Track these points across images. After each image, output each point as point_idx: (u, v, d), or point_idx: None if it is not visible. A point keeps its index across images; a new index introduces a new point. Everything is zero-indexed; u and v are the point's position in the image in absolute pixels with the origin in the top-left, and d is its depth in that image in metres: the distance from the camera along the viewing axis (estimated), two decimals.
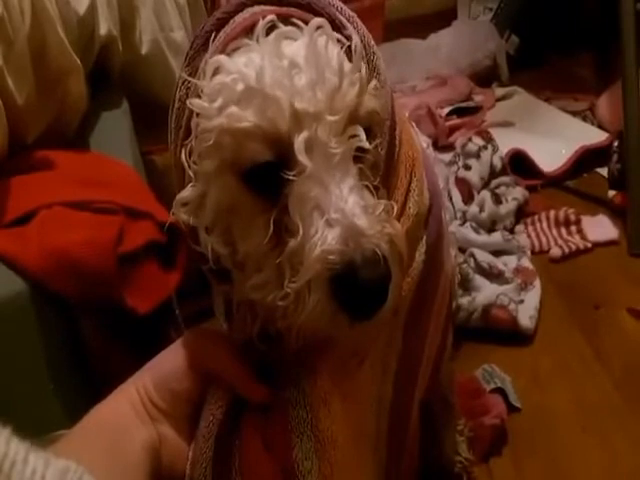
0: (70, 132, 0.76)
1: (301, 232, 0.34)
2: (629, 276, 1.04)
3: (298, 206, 0.35)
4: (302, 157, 0.34)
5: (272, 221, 0.36)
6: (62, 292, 0.54)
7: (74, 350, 0.57)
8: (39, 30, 0.66)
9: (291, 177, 0.35)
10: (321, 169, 0.34)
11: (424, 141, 0.75)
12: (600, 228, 1.13)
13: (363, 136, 0.36)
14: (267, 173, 0.35)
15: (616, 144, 1.22)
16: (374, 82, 0.38)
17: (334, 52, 0.36)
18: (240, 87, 0.34)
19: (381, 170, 0.39)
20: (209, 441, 0.40)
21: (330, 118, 0.34)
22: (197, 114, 0.36)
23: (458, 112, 1.53)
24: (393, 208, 0.37)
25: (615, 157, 1.21)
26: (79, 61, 0.72)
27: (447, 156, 1.29)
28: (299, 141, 0.34)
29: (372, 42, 0.39)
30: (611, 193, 1.20)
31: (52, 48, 0.68)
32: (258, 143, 0.35)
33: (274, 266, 0.36)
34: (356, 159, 0.37)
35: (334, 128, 0.35)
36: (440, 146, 1.38)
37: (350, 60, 0.36)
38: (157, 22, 0.86)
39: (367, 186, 0.37)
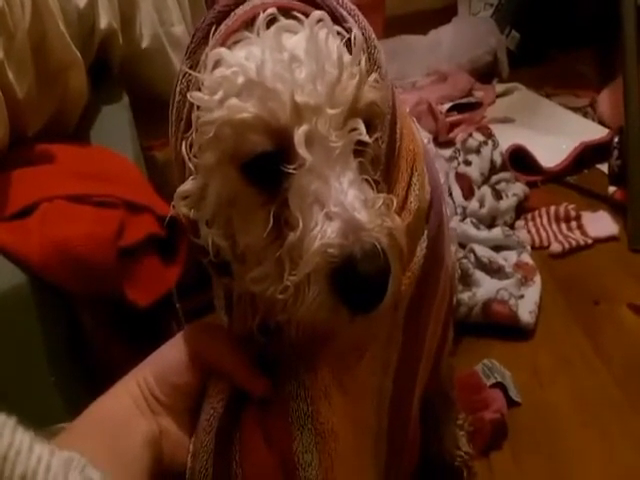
0: (70, 126, 0.75)
1: (301, 225, 0.34)
2: (629, 272, 1.03)
3: (298, 199, 0.34)
4: (302, 150, 0.34)
5: (272, 214, 0.35)
6: (63, 285, 0.54)
7: (75, 343, 0.57)
8: (40, 23, 0.65)
9: (291, 170, 0.34)
10: (321, 162, 0.34)
11: (425, 137, 0.75)
12: (600, 224, 1.13)
13: (363, 129, 0.36)
14: (267, 166, 0.35)
15: (616, 140, 1.22)
16: (374, 75, 0.37)
17: (334, 45, 0.35)
18: (241, 80, 0.34)
19: (382, 164, 0.39)
20: (210, 434, 0.40)
21: (330, 111, 0.34)
22: (197, 107, 0.36)
23: (458, 108, 1.53)
24: (393, 202, 0.37)
25: (615, 153, 1.21)
26: (79, 55, 0.72)
27: (447, 152, 1.29)
28: (299, 134, 0.34)
29: (373, 35, 0.39)
30: (611, 189, 1.20)
31: (52, 41, 0.68)
32: (258, 134, 0.35)
33: (274, 259, 0.35)
34: (356, 153, 0.36)
35: (334, 121, 0.35)
36: (440, 142, 1.38)
37: (350, 53, 0.36)
38: (157, 16, 0.86)
39: (367, 180, 0.37)
